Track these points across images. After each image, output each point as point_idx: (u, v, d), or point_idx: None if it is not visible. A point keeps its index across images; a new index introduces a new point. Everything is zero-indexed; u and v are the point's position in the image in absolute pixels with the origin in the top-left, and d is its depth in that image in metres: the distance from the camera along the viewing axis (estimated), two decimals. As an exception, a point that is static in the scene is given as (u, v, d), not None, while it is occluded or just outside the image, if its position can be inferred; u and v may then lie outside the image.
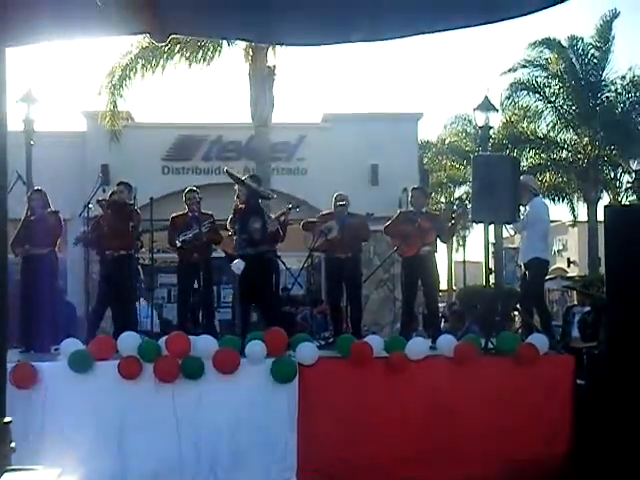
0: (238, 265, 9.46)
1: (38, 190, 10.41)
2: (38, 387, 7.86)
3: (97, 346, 8.32)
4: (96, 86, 16.44)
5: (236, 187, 10.17)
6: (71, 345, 8.23)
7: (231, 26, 3.09)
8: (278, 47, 15.57)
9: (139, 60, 15.97)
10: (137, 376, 8.03)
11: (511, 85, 25.88)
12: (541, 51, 25.56)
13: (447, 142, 29.66)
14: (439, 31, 3.07)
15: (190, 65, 15.93)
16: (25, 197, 10.41)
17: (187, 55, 15.78)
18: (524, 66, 25.59)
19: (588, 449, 8.02)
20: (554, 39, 25.46)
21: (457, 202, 30.37)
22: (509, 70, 25.76)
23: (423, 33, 3.08)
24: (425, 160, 27.93)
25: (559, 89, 25.59)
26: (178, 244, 10.13)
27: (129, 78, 16.19)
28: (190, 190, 10.69)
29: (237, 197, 10.17)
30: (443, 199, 31.32)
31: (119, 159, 17.64)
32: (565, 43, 25.46)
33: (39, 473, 3.36)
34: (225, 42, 15.64)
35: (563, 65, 25.13)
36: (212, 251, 10.50)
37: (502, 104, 25.25)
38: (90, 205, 10.27)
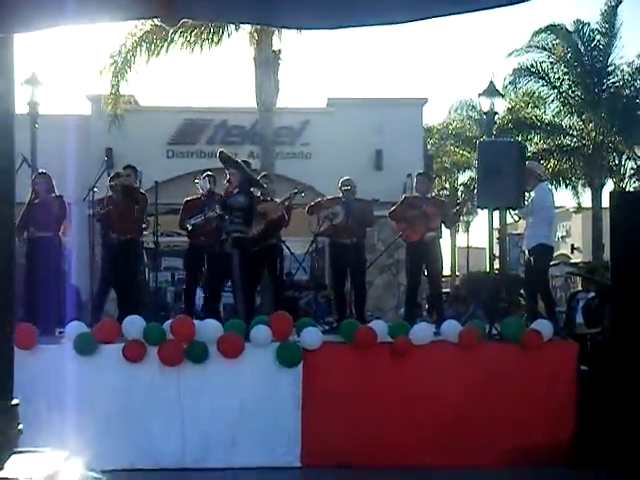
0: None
1: (42, 173, 10.40)
2: (42, 368, 7.88)
3: (102, 329, 8.35)
4: (101, 69, 16.39)
5: (227, 171, 9.98)
6: (76, 328, 8.26)
7: (240, 9, 3.07)
8: (284, 31, 15.49)
9: (143, 43, 15.89)
10: (142, 359, 8.06)
11: (515, 70, 25.78)
12: (546, 36, 25.42)
13: (451, 127, 29.58)
14: (447, 14, 3.06)
15: (194, 49, 15.84)
16: (31, 181, 10.39)
17: (191, 39, 15.70)
18: (529, 51, 25.45)
19: (592, 434, 8.04)
20: (559, 24, 25.32)
21: (461, 188, 30.35)
22: (515, 52, 25.61)
23: (433, 16, 3.07)
24: (429, 145, 27.87)
25: (564, 74, 25.47)
26: (189, 227, 10.11)
27: (132, 62, 16.12)
28: (208, 175, 10.68)
29: (228, 181, 9.95)
30: (447, 185, 31.29)
31: (124, 143, 17.62)
32: (571, 28, 25.32)
33: (46, 455, 3.38)
34: (231, 26, 15.57)
35: (569, 50, 25.01)
36: (221, 236, 10.47)
37: (505, 88, 25.15)
38: (95, 189, 10.26)
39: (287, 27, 11.57)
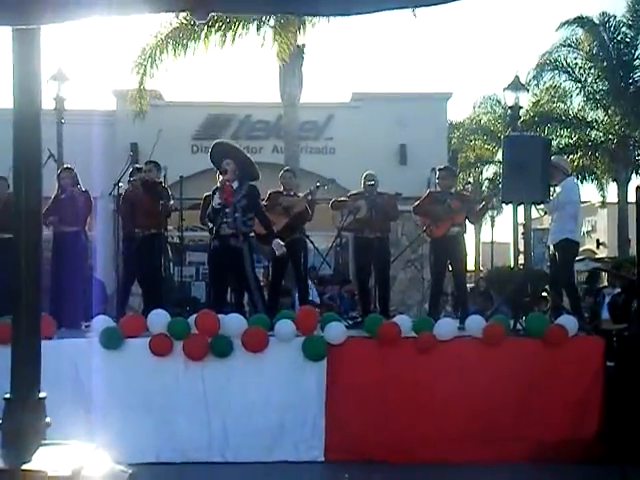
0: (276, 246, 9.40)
1: (68, 168, 10.46)
2: (69, 362, 7.95)
3: (127, 324, 8.40)
4: (126, 65, 16.49)
5: (225, 162, 9.51)
6: (102, 322, 8.31)
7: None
8: (307, 26, 15.50)
9: (169, 40, 15.94)
10: (168, 353, 8.10)
11: (539, 64, 25.61)
12: (572, 29, 25.24)
13: (476, 122, 29.47)
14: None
15: (223, 45, 15.83)
16: (56, 175, 10.47)
17: (217, 35, 15.70)
18: (560, 48, 25.21)
19: (618, 431, 7.98)
20: (586, 17, 25.12)
21: (486, 182, 30.24)
22: (547, 53, 25.40)
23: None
24: (454, 140, 27.78)
25: (589, 68, 25.29)
26: (209, 225, 10.04)
27: (159, 58, 16.17)
28: None
29: (225, 173, 9.48)
30: (471, 179, 31.17)
31: (149, 138, 17.63)
32: (597, 21, 25.10)
33: (74, 448, 3.41)
34: (255, 22, 15.58)
35: (595, 44, 24.80)
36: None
37: (528, 84, 25.00)
38: (120, 183, 10.32)
39: (315, 15, 11.56)
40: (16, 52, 3.50)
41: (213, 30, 15.64)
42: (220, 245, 9.44)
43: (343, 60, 73.78)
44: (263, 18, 15.51)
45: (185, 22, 15.41)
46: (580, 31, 25.19)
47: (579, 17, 25.13)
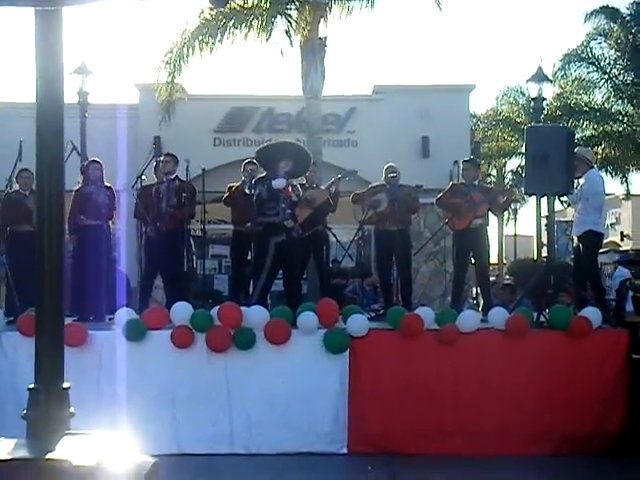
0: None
1: (94, 161, 10.48)
2: (93, 353, 8.01)
3: (150, 315, 8.45)
4: (151, 60, 16.53)
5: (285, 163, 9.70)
6: (125, 314, 8.36)
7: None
8: (330, 19, 15.47)
9: (196, 38, 15.91)
10: (189, 345, 8.13)
11: (565, 56, 25.39)
12: (599, 19, 24.95)
13: (499, 114, 29.30)
14: None
15: (246, 37, 15.80)
16: (79, 168, 10.51)
17: (242, 31, 15.66)
18: (591, 37, 24.92)
19: (642, 424, 7.94)
20: (613, 7, 24.82)
21: (509, 175, 30.08)
22: (575, 44, 25.19)
23: None
24: (476, 132, 27.60)
25: (615, 60, 25.03)
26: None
27: (187, 57, 16.17)
28: (249, 162, 10.72)
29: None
30: (494, 171, 31.01)
31: (171, 131, 17.72)
32: (625, 11, 24.80)
33: (97, 437, 3.44)
34: (278, 16, 15.56)
35: (623, 34, 24.50)
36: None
37: (554, 75, 24.77)
38: (143, 176, 10.34)
39: None
40: (39, 39, 3.50)
41: (239, 26, 15.61)
42: (288, 237, 9.58)
43: (365, 53, 73.66)
44: (286, 11, 15.49)
45: (211, 18, 15.42)
46: (607, 22, 24.89)
47: (606, 7, 24.84)
